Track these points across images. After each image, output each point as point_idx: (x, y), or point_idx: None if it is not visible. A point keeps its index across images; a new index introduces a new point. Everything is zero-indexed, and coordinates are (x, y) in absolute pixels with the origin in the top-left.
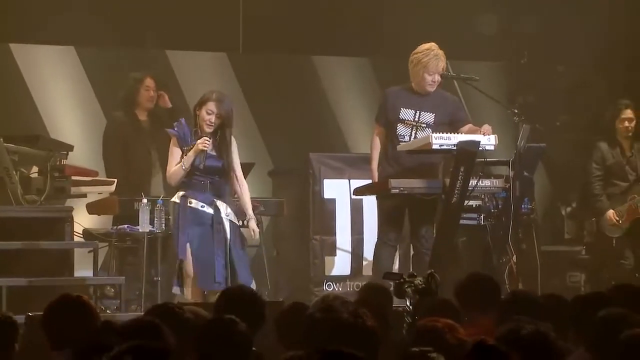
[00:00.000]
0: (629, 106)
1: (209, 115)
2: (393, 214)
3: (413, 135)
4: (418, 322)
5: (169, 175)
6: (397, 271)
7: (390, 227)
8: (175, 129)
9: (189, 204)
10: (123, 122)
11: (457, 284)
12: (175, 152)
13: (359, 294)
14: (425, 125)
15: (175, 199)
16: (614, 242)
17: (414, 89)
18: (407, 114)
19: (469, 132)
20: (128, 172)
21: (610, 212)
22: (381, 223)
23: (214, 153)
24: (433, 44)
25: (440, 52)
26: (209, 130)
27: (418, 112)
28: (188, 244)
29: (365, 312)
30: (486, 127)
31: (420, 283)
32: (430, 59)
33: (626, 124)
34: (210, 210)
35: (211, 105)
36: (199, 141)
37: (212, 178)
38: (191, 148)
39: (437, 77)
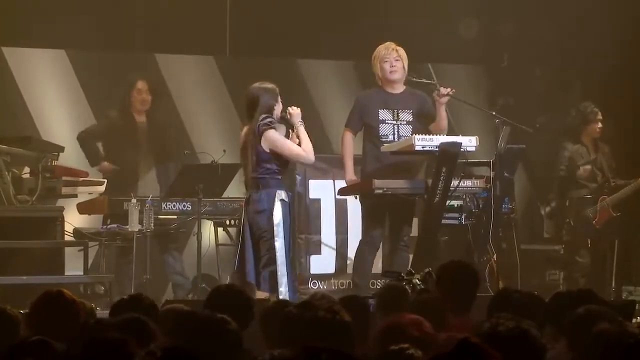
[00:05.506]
0: (599, 111)
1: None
2: (376, 213)
3: (396, 133)
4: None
5: (307, 151)
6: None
7: (373, 226)
8: (273, 123)
9: (289, 201)
10: (116, 123)
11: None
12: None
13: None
14: (405, 122)
15: (284, 197)
16: (589, 242)
17: (385, 89)
18: (386, 114)
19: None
20: (118, 172)
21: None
22: (364, 222)
23: None
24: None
25: (400, 47)
26: None
27: (396, 111)
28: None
29: (341, 308)
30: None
31: (418, 283)
32: (381, 49)
33: (599, 126)
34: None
35: None
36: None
37: None
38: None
39: (397, 64)
